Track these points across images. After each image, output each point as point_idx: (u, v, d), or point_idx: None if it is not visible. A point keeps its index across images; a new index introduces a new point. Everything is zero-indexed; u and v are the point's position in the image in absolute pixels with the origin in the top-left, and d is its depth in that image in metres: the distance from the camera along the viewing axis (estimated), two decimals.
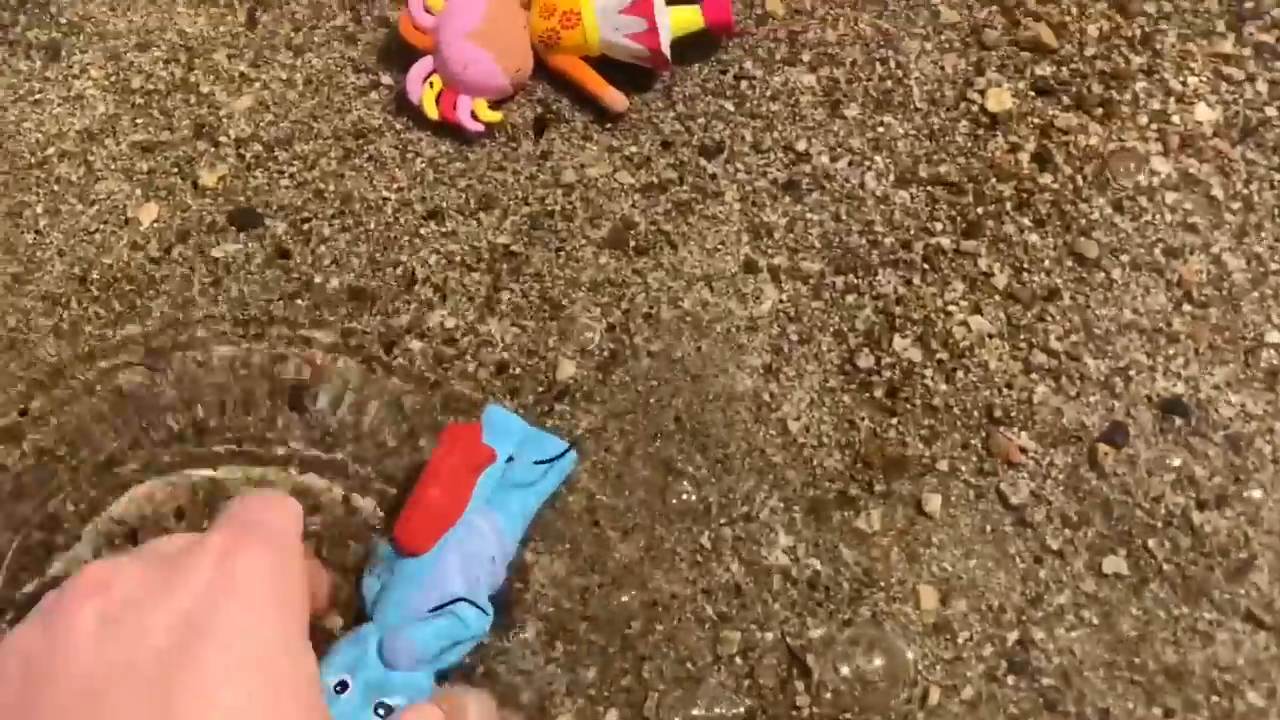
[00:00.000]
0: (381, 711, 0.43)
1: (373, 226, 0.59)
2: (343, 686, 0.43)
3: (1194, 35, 0.61)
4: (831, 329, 0.57)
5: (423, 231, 0.59)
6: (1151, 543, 0.52)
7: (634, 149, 0.61)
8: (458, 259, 0.59)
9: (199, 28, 0.64)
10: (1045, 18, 0.62)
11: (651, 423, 0.55)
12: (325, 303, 0.57)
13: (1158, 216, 0.58)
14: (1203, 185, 0.59)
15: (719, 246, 0.58)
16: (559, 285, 0.58)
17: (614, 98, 0.60)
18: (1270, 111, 0.60)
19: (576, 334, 0.57)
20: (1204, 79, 0.61)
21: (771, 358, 0.56)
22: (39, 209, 0.61)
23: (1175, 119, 0.60)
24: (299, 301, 0.57)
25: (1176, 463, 0.53)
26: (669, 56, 0.58)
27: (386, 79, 0.63)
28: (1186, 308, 0.56)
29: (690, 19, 0.59)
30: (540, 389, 0.55)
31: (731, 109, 0.61)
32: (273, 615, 0.32)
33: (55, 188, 0.62)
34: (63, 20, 0.65)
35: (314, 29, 0.64)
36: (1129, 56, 0.61)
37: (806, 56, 0.62)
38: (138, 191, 0.61)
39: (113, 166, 0.62)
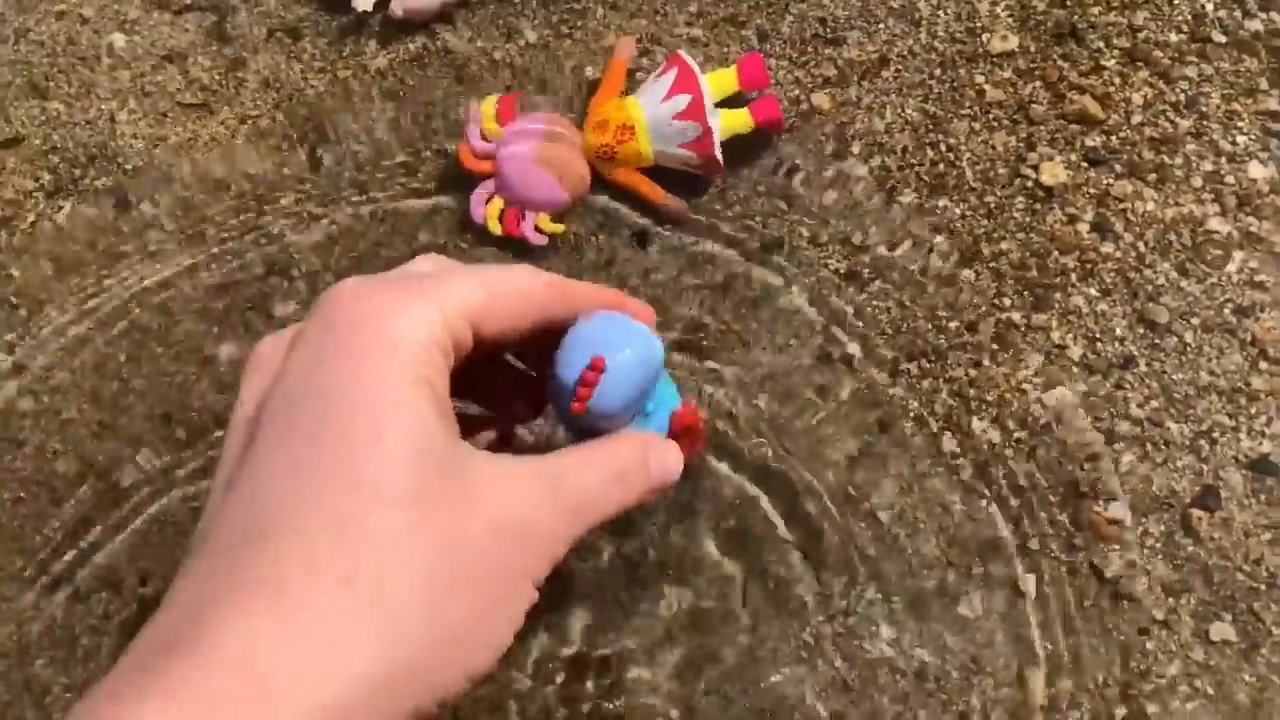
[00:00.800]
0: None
1: None
2: None
3: (1237, 95, 0.62)
4: (911, 415, 0.57)
5: None
6: (1257, 605, 0.52)
7: (696, 249, 0.62)
8: None
9: (264, 170, 0.66)
10: (1089, 90, 0.63)
11: (741, 523, 0.56)
12: None
13: (1223, 277, 0.59)
14: (1265, 242, 0.59)
15: (790, 342, 0.59)
16: None
17: (674, 204, 0.61)
18: None
19: None
20: (1253, 137, 0.61)
21: (855, 449, 0.57)
22: (122, 357, 0.63)
23: (1229, 179, 0.60)
24: None
25: (1273, 523, 0.53)
26: (721, 160, 0.59)
27: (448, 201, 0.64)
28: (1263, 365, 0.57)
29: (740, 120, 0.60)
30: None
31: (785, 206, 0.62)
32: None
33: (137, 336, 0.63)
34: (129, 168, 0.67)
35: (376, 167, 0.66)
36: (1175, 121, 0.62)
37: (857, 147, 0.63)
38: (214, 330, 0.63)
39: (190, 309, 0.63)
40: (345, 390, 0.33)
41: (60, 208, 0.66)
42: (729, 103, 0.61)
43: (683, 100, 0.59)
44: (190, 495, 0.59)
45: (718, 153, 0.60)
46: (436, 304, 0.34)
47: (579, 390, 0.36)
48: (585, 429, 0.38)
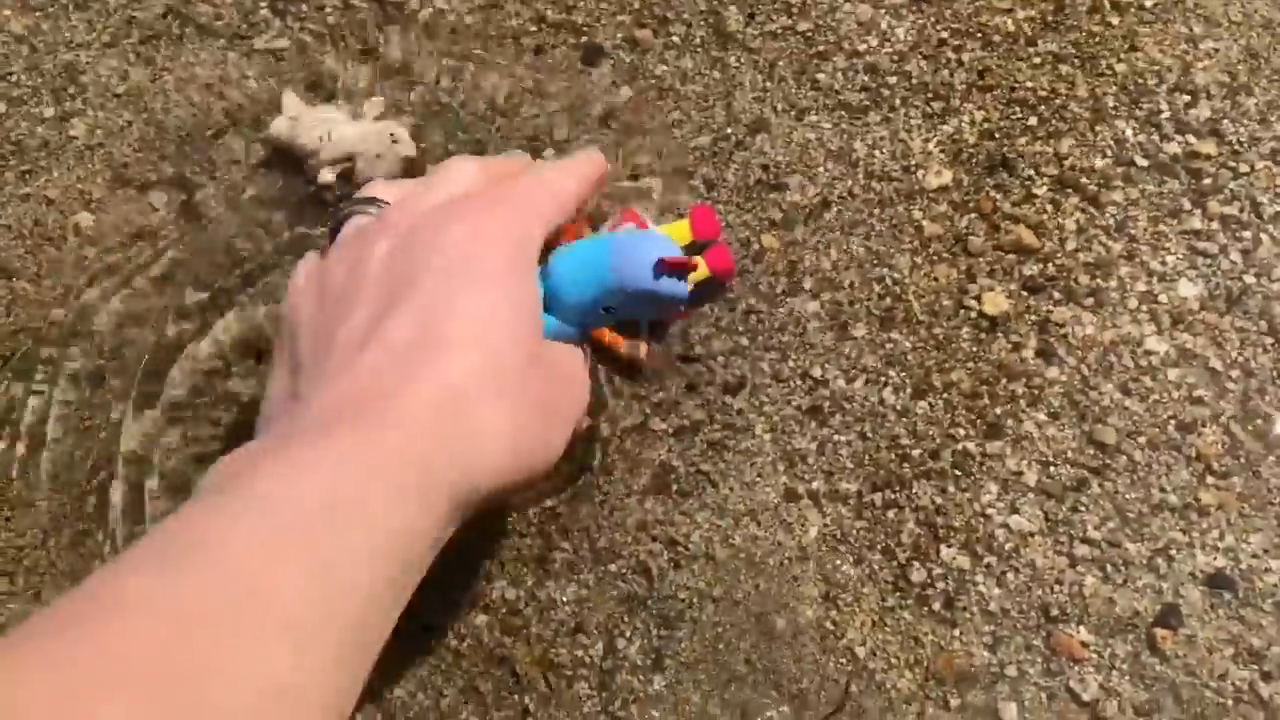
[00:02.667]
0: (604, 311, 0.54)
1: None
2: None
3: (1163, 216, 0.66)
4: (879, 547, 0.59)
5: None
6: None
7: (660, 395, 0.63)
8: (510, 528, 0.61)
9: (232, 335, 0.68)
10: (1023, 219, 0.66)
11: (723, 669, 0.57)
12: None
13: (1164, 394, 0.61)
14: (1200, 358, 0.62)
15: (757, 479, 0.61)
16: (606, 536, 0.60)
17: (633, 349, 0.63)
18: (1249, 279, 0.63)
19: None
20: (1180, 256, 0.65)
21: (827, 585, 0.58)
22: (100, 536, 0.63)
23: (1162, 298, 0.64)
24: None
25: (1233, 637, 0.55)
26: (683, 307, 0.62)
27: None
28: (1210, 480, 0.59)
29: (696, 271, 0.63)
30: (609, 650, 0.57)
31: (746, 343, 0.64)
32: (508, 258, 0.46)
33: (110, 513, 0.63)
34: (105, 349, 0.68)
35: None
36: (1108, 245, 0.65)
37: (808, 284, 0.65)
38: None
39: (165, 484, 0.64)
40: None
41: (35, 391, 0.66)
42: (684, 252, 0.64)
43: None
44: None
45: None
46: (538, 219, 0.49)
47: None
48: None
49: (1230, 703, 0.54)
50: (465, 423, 0.40)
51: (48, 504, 0.64)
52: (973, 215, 0.68)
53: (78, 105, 0.75)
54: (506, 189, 0.48)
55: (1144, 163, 0.68)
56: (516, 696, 0.58)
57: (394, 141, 0.69)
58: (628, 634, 0.59)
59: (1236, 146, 0.68)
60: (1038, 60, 0.72)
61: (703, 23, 0.75)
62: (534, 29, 0.75)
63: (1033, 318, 0.64)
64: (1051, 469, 0.60)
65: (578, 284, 0.54)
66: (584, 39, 0.75)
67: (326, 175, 0.69)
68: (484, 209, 0.46)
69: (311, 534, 0.35)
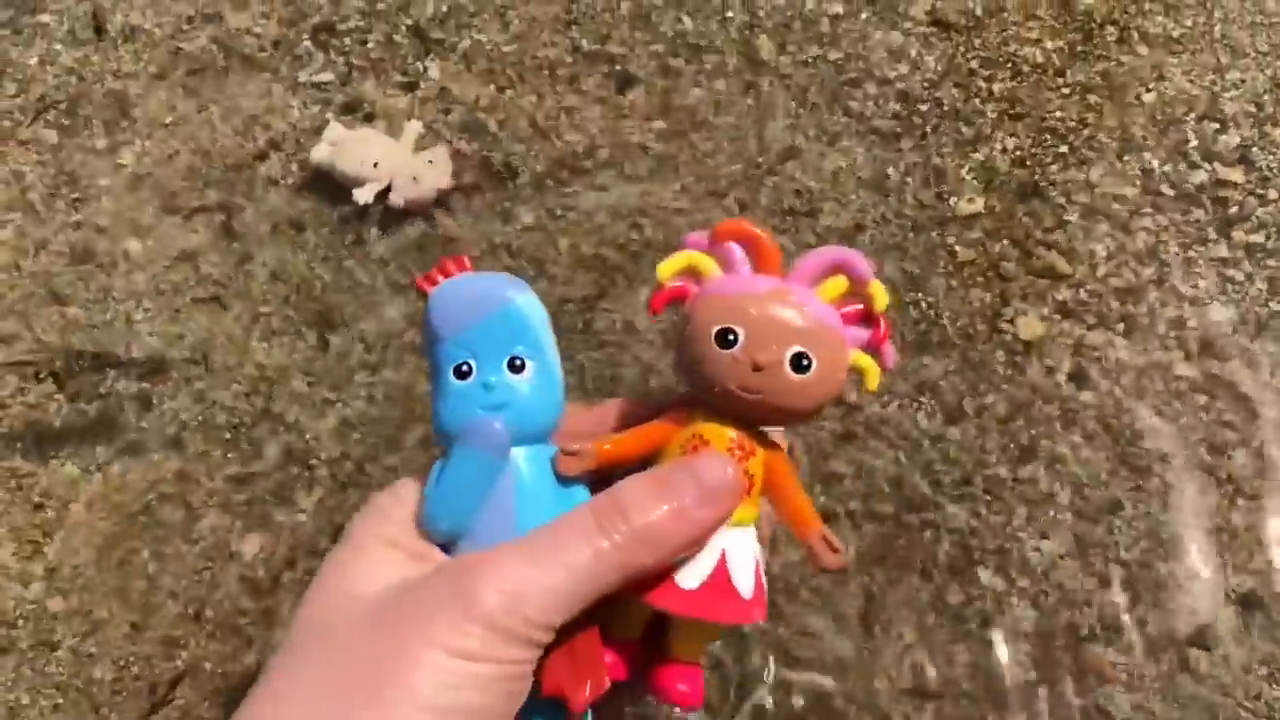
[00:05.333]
0: (518, 363, 0.38)
1: None
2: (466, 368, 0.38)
3: (1191, 243, 0.67)
4: (917, 569, 0.60)
5: None
6: None
7: None
8: None
9: (274, 358, 0.69)
10: (1055, 245, 0.67)
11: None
12: None
13: (1195, 418, 0.62)
14: (1230, 383, 0.63)
15: None
16: None
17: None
18: (1275, 306, 0.65)
19: None
20: (1210, 282, 0.66)
21: (866, 605, 0.59)
22: (146, 554, 0.65)
23: (1192, 323, 0.65)
24: None
25: (1267, 656, 0.56)
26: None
27: None
28: (1240, 502, 0.60)
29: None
30: None
31: None
32: None
33: (159, 531, 0.65)
34: (145, 364, 0.70)
35: (385, 347, 0.69)
36: (1138, 270, 0.66)
37: None
38: (238, 524, 0.65)
39: (211, 502, 0.65)
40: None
41: (83, 412, 0.68)
42: None
43: None
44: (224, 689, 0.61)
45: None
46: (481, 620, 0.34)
47: None
48: None
49: None
50: None
51: None
52: (1005, 241, 0.69)
53: (127, 136, 0.76)
54: None
55: (1170, 192, 0.70)
56: None
57: (430, 163, 0.71)
58: None
59: (1266, 174, 0.69)
60: (1067, 90, 0.73)
61: (735, 52, 0.77)
62: (569, 59, 0.77)
63: (1066, 342, 0.65)
64: (1085, 491, 0.61)
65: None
66: (618, 68, 0.76)
67: (364, 196, 0.71)
68: None
69: None
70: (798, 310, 0.36)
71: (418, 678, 0.34)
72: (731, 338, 0.36)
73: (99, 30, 0.80)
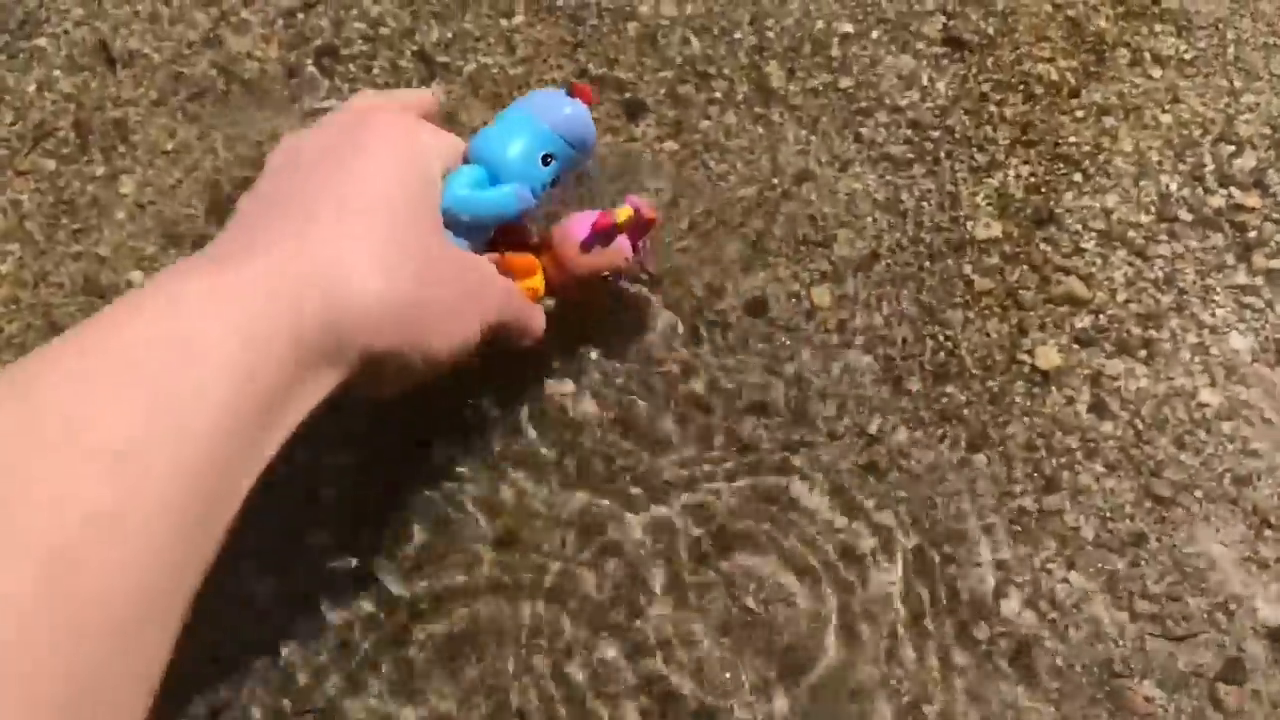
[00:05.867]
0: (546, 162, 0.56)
1: None
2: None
3: (1209, 270, 0.67)
4: (943, 604, 0.59)
5: None
6: None
7: (716, 454, 0.64)
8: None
9: None
10: (1074, 271, 0.67)
11: None
12: None
13: (1219, 447, 0.62)
14: (1254, 410, 0.63)
15: (817, 536, 0.61)
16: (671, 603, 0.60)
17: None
18: None
19: None
20: (1230, 309, 0.65)
21: (891, 643, 0.59)
22: None
23: (1214, 350, 0.64)
24: None
25: None
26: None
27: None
28: (1268, 533, 0.60)
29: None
30: None
31: (801, 399, 0.65)
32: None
33: None
34: None
35: None
36: (1157, 297, 0.66)
37: (860, 340, 0.66)
38: (255, 565, 0.64)
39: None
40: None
41: None
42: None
43: None
44: None
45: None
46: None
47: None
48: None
49: None
50: (337, 269, 0.42)
51: None
52: (1024, 268, 0.68)
53: (127, 163, 0.75)
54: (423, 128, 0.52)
55: (1188, 217, 0.69)
56: None
57: None
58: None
59: None
60: (1080, 113, 0.73)
61: (745, 78, 0.76)
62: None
63: (1085, 371, 0.65)
64: (1110, 523, 0.61)
65: (510, 139, 0.55)
66: (627, 94, 0.75)
67: None
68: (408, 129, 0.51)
69: (144, 369, 0.35)
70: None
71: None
72: None
73: (110, 60, 0.78)
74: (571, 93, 0.58)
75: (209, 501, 0.36)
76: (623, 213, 0.58)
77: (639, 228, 0.61)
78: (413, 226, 0.47)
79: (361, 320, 0.42)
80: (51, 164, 0.75)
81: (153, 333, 0.37)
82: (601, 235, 0.58)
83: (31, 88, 0.78)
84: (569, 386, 0.65)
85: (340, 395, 0.46)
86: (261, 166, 0.52)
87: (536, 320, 0.57)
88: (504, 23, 0.79)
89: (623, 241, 0.60)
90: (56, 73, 0.79)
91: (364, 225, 0.45)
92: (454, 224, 0.53)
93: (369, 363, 0.44)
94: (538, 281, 0.59)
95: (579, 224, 0.58)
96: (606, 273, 0.60)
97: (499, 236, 0.57)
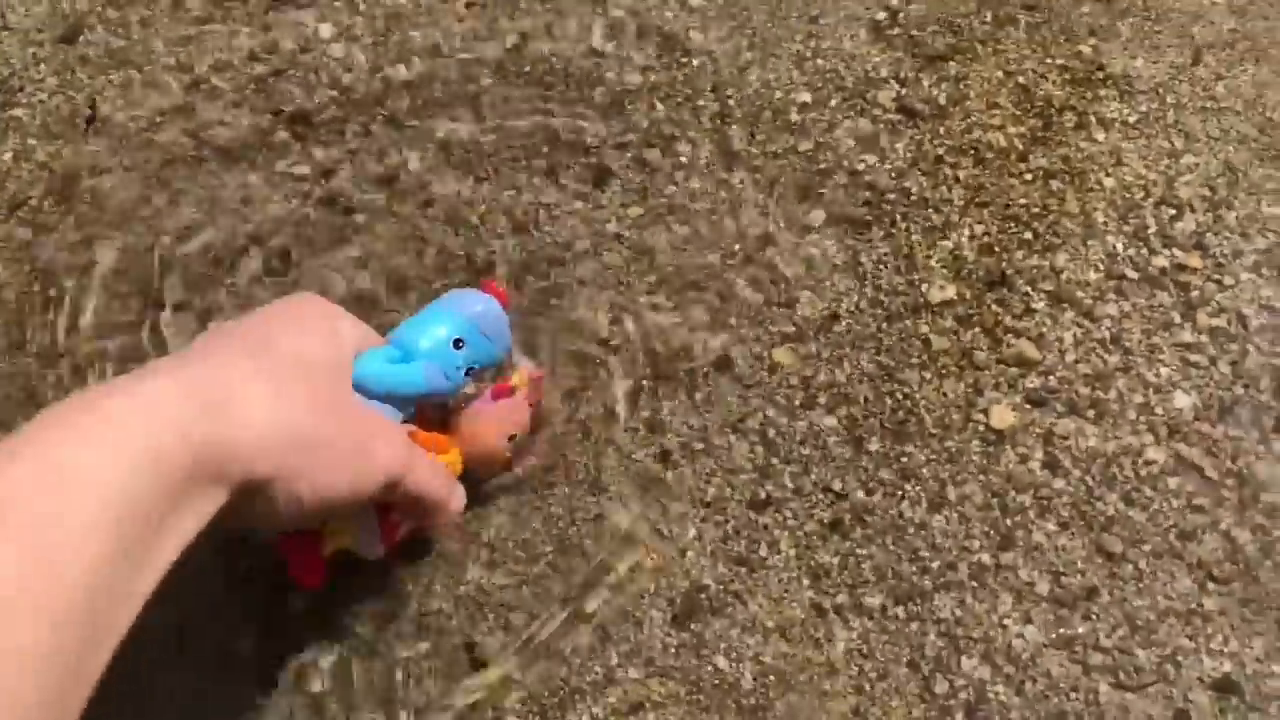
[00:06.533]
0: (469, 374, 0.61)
1: None
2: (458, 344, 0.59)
3: (1155, 329, 0.70)
4: (904, 660, 0.62)
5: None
6: None
7: (686, 513, 0.66)
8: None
9: None
10: (1024, 333, 0.70)
11: None
12: None
13: (1165, 503, 0.65)
14: (1197, 468, 0.66)
15: (784, 594, 0.64)
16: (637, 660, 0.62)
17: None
18: (1239, 390, 0.67)
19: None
20: (1174, 368, 0.68)
21: (856, 699, 0.61)
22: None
23: (1159, 409, 0.67)
24: None
25: None
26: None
27: None
28: (1211, 586, 0.63)
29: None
30: None
31: (767, 458, 0.67)
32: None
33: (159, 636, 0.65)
34: None
35: None
36: (1105, 357, 0.69)
37: (823, 399, 0.68)
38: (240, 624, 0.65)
39: (206, 603, 0.65)
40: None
41: None
42: None
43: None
44: None
45: None
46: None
47: None
48: None
49: None
50: (228, 391, 0.44)
51: None
52: (976, 329, 0.71)
53: (102, 230, 0.76)
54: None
55: (1134, 275, 0.72)
56: None
57: None
58: None
59: (1220, 259, 0.72)
60: (1029, 176, 0.76)
61: (708, 142, 0.78)
62: (545, 149, 0.78)
63: (1038, 430, 0.68)
64: (1063, 579, 0.63)
65: (424, 324, 0.59)
66: (594, 159, 0.78)
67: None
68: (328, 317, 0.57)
69: (22, 510, 0.36)
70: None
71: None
72: None
73: (90, 121, 0.80)
74: (484, 289, 0.62)
75: (82, 640, 0.37)
76: (517, 376, 0.65)
77: (533, 388, 0.66)
78: (316, 377, 0.50)
79: (247, 440, 0.44)
80: (28, 233, 0.77)
81: (35, 468, 0.37)
82: (504, 399, 0.64)
83: (8, 156, 0.79)
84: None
85: (235, 528, 0.47)
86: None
87: (452, 497, 0.58)
88: (471, 88, 0.81)
89: (522, 403, 0.65)
90: (32, 141, 0.80)
91: (267, 366, 0.48)
92: (368, 394, 0.55)
93: (254, 487, 0.45)
94: (453, 458, 0.61)
95: (482, 399, 0.63)
96: (511, 442, 0.65)
97: (421, 415, 0.59)
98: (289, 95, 0.81)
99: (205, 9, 0.85)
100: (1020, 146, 0.76)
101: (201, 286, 0.74)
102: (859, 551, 0.65)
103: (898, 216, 0.74)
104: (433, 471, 0.57)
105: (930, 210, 0.74)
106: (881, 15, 0.83)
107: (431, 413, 0.62)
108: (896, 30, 0.82)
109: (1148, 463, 0.66)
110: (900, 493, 0.66)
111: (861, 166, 0.76)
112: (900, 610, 0.63)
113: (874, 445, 0.68)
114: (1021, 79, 0.80)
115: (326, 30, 0.84)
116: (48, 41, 0.84)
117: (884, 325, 0.71)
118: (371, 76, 0.81)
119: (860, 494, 0.66)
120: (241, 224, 0.76)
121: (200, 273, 0.74)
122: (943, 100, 0.78)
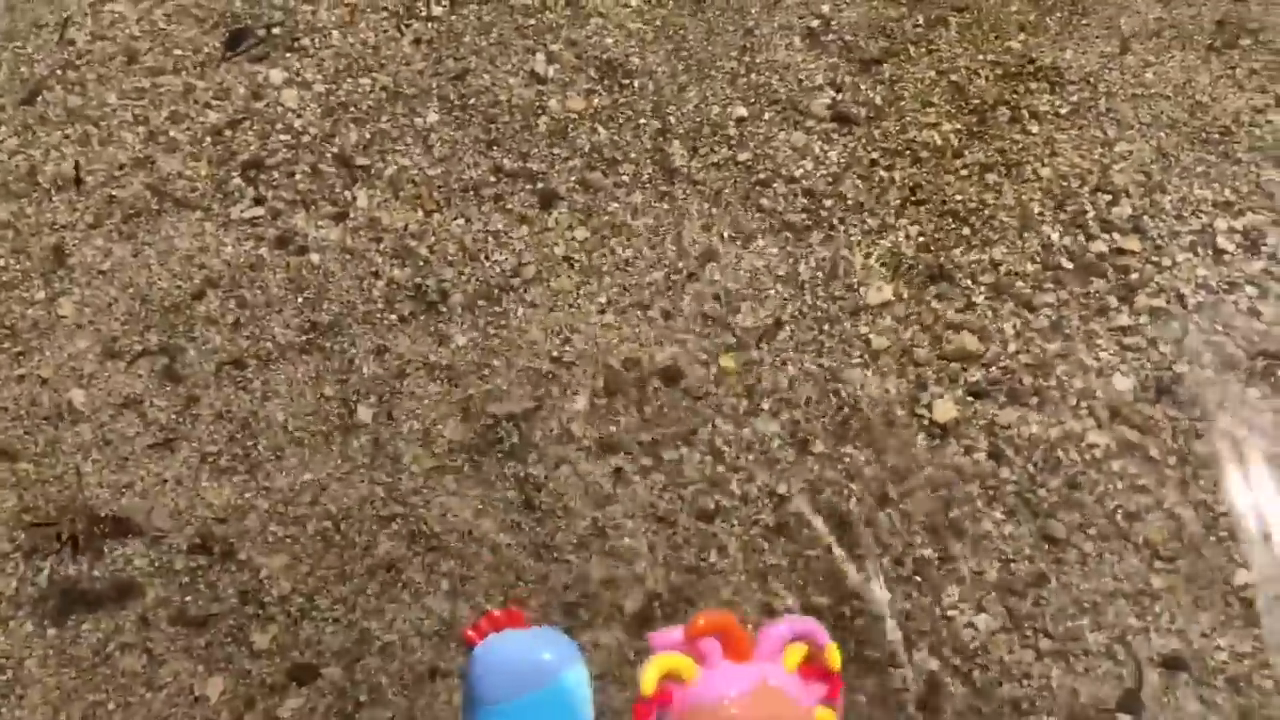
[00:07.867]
0: None
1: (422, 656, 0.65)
2: None
3: (1092, 314, 0.70)
4: (850, 652, 0.62)
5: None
6: None
7: (633, 517, 0.67)
8: None
9: (224, 497, 0.71)
10: (966, 326, 0.70)
11: None
12: None
13: (1109, 486, 0.65)
14: (1140, 449, 0.66)
15: (734, 598, 0.64)
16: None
17: None
18: (1180, 368, 0.68)
19: None
20: (1113, 352, 0.69)
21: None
22: (110, 705, 0.66)
23: (1099, 393, 0.68)
24: None
25: (1192, 716, 0.59)
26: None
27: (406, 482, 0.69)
28: (1158, 565, 0.63)
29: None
30: None
31: (714, 465, 0.68)
32: None
33: (122, 680, 0.66)
34: (102, 514, 0.71)
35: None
36: (1045, 346, 0.70)
37: (766, 404, 0.69)
38: (200, 668, 0.66)
39: (172, 648, 0.67)
40: None
41: (39, 569, 0.69)
42: None
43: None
44: None
45: None
46: None
47: None
48: None
49: None
50: None
51: None
52: (916, 327, 0.72)
53: (66, 285, 0.78)
54: None
55: (1069, 265, 0.73)
56: None
57: None
58: None
59: (1159, 241, 0.73)
60: (965, 172, 0.77)
61: (649, 160, 0.80)
62: (493, 179, 0.80)
63: (981, 422, 0.68)
64: (1011, 566, 0.64)
65: None
66: (540, 185, 0.79)
67: None
68: None
69: None
70: (771, 710, 0.40)
71: None
72: None
73: (78, 181, 0.82)
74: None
75: None
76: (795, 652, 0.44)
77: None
78: None
79: None
80: None
81: None
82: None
83: None
84: None
85: None
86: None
87: None
88: (419, 122, 0.83)
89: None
90: None
91: None
92: None
93: None
94: None
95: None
96: None
97: None
98: (244, 143, 0.83)
99: (158, 61, 0.88)
100: (956, 143, 0.77)
101: (163, 332, 0.76)
102: (806, 553, 0.65)
103: (835, 220, 0.75)
104: None
105: (867, 212, 0.75)
106: (815, 23, 0.85)
107: None
108: (830, 37, 0.84)
109: (1090, 446, 0.67)
110: (846, 492, 0.67)
111: (799, 173, 0.77)
112: (846, 609, 0.64)
113: (818, 448, 0.69)
114: (954, 77, 0.81)
115: (277, 76, 0.86)
116: (9, 105, 0.86)
117: (825, 328, 0.72)
118: (322, 119, 0.83)
119: (804, 497, 0.67)
120: (199, 270, 0.78)
121: (159, 321, 0.76)
122: (879, 102, 0.80)
